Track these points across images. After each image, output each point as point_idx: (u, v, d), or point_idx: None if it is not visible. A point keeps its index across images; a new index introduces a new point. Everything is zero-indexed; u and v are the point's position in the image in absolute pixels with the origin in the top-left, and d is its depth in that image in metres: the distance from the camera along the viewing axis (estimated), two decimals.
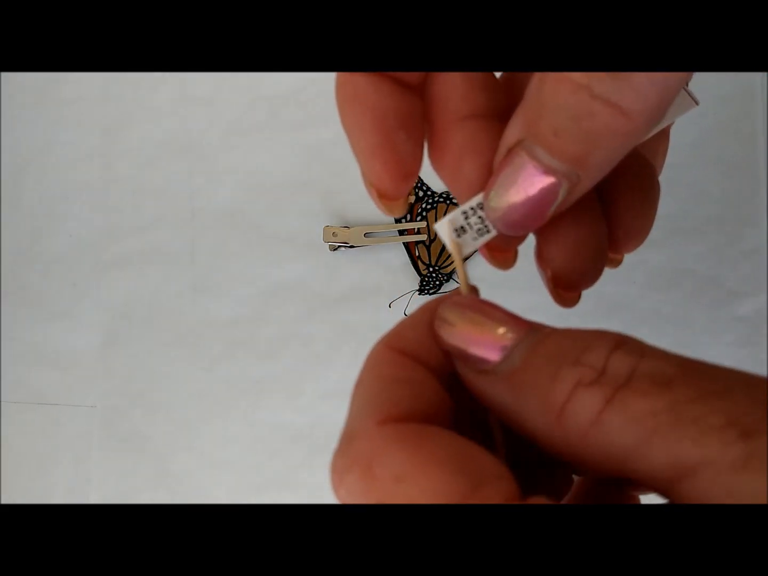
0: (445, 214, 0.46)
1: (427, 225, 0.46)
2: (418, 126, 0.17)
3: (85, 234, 0.49)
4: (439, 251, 0.45)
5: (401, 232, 0.46)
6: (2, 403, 0.49)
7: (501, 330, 0.14)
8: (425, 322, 0.16)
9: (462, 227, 0.18)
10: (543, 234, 0.18)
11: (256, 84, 0.48)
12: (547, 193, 0.15)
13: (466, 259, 0.18)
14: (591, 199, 0.17)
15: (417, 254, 0.45)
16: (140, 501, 0.47)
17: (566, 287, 0.18)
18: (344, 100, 0.17)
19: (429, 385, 0.15)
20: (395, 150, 0.16)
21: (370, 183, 0.17)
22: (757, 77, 0.44)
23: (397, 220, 0.46)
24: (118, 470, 0.47)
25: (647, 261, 0.43)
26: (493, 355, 0.14)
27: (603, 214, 0.18)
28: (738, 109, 0.44)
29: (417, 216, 0.46)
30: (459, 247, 0.18)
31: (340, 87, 0.17)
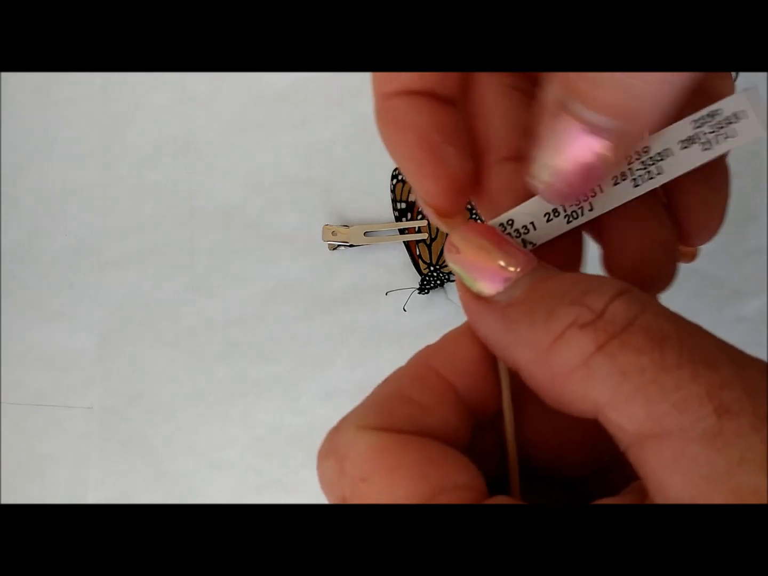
0: None
1: (428, 224, 0.45)
2: (463, 139, 0.17)
3: (84, 234, 0.49)
4: (440, 250, 0.45)
5: (402, 231, 0.46)
6: (1, 404, 0.49)
7: (507, 262, 0.14)
8: (472, 340, 0.16)
9: None
10: (608, 242, 0.17)
11: (255, 83, 0.48)
12: (596, 153, 0.14)
13: None
14: (653, 196, 0.16)
15: (418, 253, 0.45)
16: (138, 501, 0.47)
17: None
18: (386, 125, 0.16)
19: (439, 410, 0.15)
20: (445, 165, 0.16)
21: (425, 203, 0.17)
22: (757, 77, 0.44)
23: (398, 219, 0.46)
24: (117, 471, 0.47)
25: None
26: (495, 285, 0.14)
27: (670, 208, 0.17)
28: None
29: (417, 215, 0.46)
30: None
31: (380, 114, 0.17)
